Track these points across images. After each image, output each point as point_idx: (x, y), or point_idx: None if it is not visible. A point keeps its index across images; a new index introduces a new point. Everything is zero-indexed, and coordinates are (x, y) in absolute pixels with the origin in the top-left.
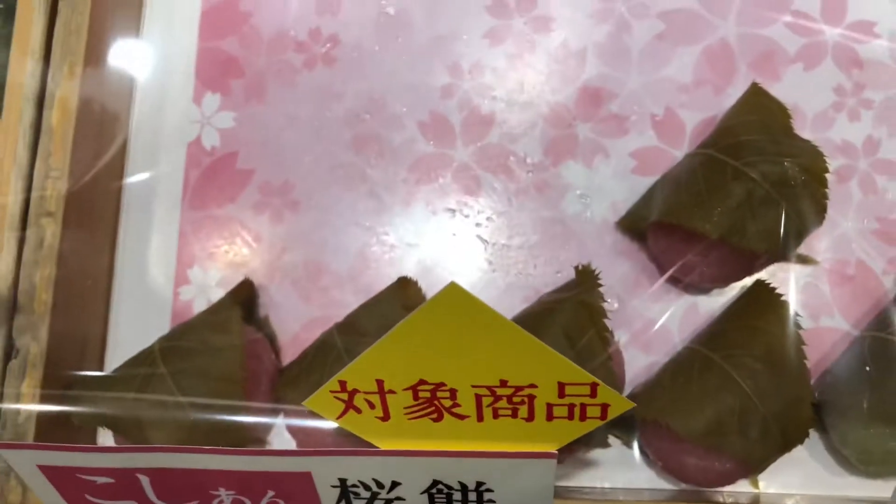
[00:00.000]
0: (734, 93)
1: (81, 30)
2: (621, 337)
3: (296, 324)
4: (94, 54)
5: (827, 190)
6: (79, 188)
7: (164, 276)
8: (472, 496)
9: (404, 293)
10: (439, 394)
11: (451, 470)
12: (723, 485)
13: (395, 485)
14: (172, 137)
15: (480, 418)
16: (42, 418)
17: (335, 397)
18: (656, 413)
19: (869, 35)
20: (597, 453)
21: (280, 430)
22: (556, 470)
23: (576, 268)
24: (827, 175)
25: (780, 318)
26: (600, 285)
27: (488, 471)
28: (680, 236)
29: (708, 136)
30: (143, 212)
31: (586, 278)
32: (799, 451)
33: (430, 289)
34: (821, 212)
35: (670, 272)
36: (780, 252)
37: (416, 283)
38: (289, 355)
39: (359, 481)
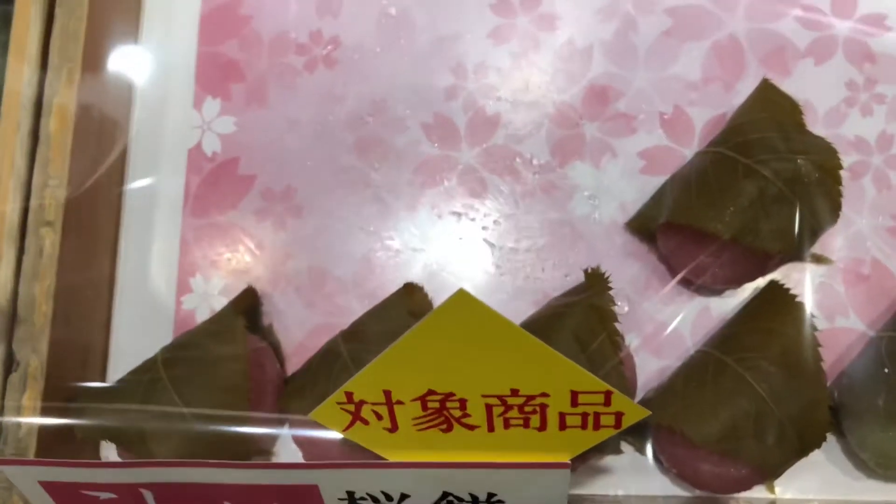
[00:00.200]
0: (744, 89)
1: (79, 35)
2: (632, 341)
3: (300, 331)
4: (93, 60)
5: (841, 187)
6: (78, 196)
7: (166, 284)
8: None
9: (410, 299)
10: (449, 404)
11: (462, 481)
12: (739, 491)
13: (404, 497)
14: (173, 143)
15: (491, 428)
16: (44, 431)
17: (342, 409)
18: (670, 419)
19: (881, 28)
20: (610, 460)
21: (286, 440)
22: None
23: (585, 271)
24: (841, 172)
25: (795, 320)
26: (610, 288)
27: (500, 482)
28: (691, 237)
29: (718, 134)
30: (144, 219)
31: (596, 281)
32: (816, 455)
33: (436, 294)
34: (835, 210)
35: (682, 274)
36: (794, 252)
37: (422, 289)
38: (293, 363)
39: (367, 494)
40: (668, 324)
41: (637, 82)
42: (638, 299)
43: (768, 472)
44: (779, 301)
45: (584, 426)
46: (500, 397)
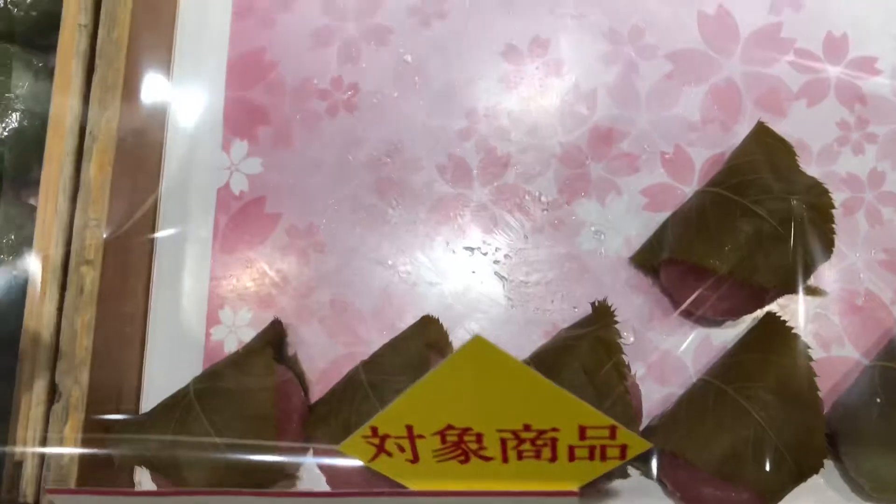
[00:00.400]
0: (741, 130)
1: (117, 85)
2: (637, 369)
3: (323, 361)
4: (129, 107)
5: (834, 225)
6: (116, 236)
7: (196, 317)
8: None
9: (427, 331)
10: (466, 438)
11: None
12: None
13: None
14: (203, 183)
15: (505, 460)
16: (84, 459)
17: (367, 442)
18: (674, 445)
19: (870, 71)
20: (617, 484)
21: (311, 464)
22: None
23: (592, 304)
24: (833, 211)
25: (792, 350)
26: (616, 321)
27: None
28: (692, 272)
29: (716, 174)
30: (176, 255)
31: (603, 314)
32: (815, 479)
33: (451, 325)
34: (828, 246)
35: (684, 306)
36: (790, 285)
37: (438, 321)
38: (317, 391)
39: None
40: (671, 353)
41: (640, 124)
42: (642, 330)
43: (768, 497)
44: (776, 332)
45: (591, 457)
46: (513, 432)
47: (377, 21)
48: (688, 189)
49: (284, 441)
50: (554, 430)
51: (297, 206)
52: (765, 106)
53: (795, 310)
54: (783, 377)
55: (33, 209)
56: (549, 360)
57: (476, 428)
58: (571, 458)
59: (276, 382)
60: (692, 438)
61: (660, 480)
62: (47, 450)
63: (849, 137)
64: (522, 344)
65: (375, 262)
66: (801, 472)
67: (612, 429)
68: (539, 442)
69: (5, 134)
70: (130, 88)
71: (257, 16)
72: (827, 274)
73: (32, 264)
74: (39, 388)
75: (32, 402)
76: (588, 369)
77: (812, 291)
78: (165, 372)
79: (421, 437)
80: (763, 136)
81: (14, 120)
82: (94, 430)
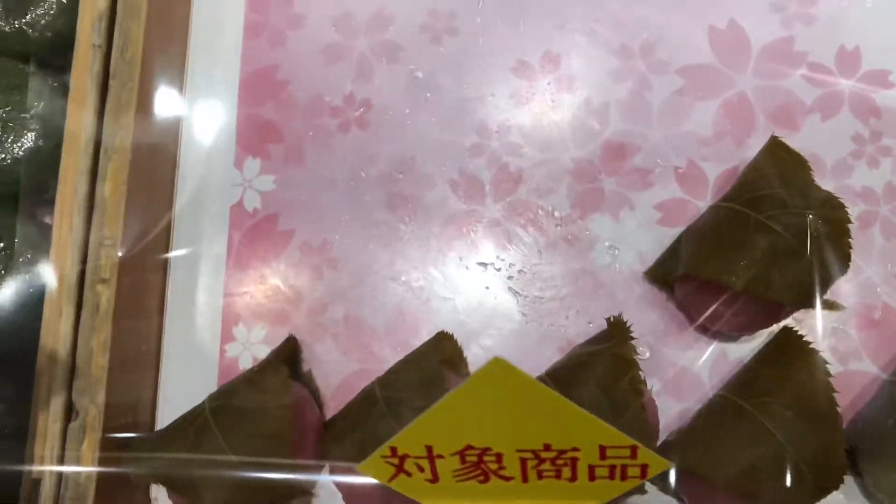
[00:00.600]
0: (754, 144)
1: (131, 104)
2: (653, 385)
3: (337, 377)
4: (142, 126)
5: (850, 240)
6: (131, 254)
7: (211, 334)
8: None
9: (442, 348)
10: (486, 458)
11: None
12: None
13: None
14: (216, 201)
15: (525, 479)
16: (101, 477)
17: (387, 462)
18: (692, 462)
19: (884, 84)
20: (635, 500)
21: (326, 482)
22: None
23: (608, 319)
24: (849, 225)
25: (809, 366)
26: (632, 337)
27: None
28: (707, 287)
29: (730, 189)
30: (190, 273)
31: (619, 330)
32: (834, 495)
33: (465, 341)
34: (845, 261)
35: (699, 321)
36: (806, 301)
37: (452, 338)
38: (331, 408)
39: None
40: (687, 369)
41: (652, 139)
42: (658, 345)
43: None
44: (792, 347)
45: (612, 477)
46: (533, 452)
47: (388, 38)
48: (701, 204)
49: (300, 458)
50: (574, 449)
51: (310, 222)
52: (778, 120)
53: (811, 324)
54: (801, 392)
55: (48, 228)
56: (565, 376)
57: (496, 448)
58: (591, 477)
59: (291, 400)
60: (710, 455)
61: (677, 496)
62: (65, 468)
63: (863, 151)
64: (537, 360)
65: (389, 279)
66: (821, 488)
67: (634, 448)
68: (559, 462)
69: (21, 153)
70: (144, 107)
71: (269, 33)
72: (843, 288)
73: (48, 283)
74: (56, 406)
75: (49, 420)
76: (604, 385)
77: (829, 306)
78: (180, 389)
79: (440, 456)
80: (777, 151)
81: (29, 139)
82: (110, 448)
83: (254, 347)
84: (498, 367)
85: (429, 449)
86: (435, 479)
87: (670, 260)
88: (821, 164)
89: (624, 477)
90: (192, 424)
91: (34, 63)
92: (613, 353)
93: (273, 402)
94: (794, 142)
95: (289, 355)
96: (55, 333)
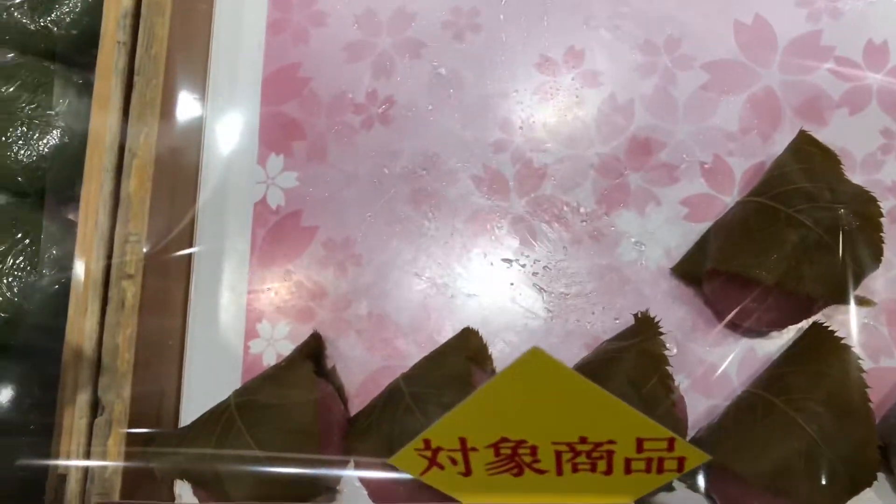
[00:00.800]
0: (781, 139)
1: (156, 102)
2: (682, 382)
3: (361, 374)
4: (166, 123)
5: (882, 234)
6: (155, 251)
7: (235, 330)
8: None
9: (467, 344)
10: (520, 450)
11: None
12: None
13: None
14: (240, 198)
15: (560, 472)
16: (127, 472)
17: (420, 455)
18: (722, 458)
19: None
20: (662, 497)
21: (351, 479)
22: None
23: (635, 315)
24: (881, 219)
25: (841, 361)
26: (661, 333)
27: None
28: (736, 282)
29: (758, 183)
30: (214, 269)
31: (647, 326)
32: (866, 493)
33: (490, 337)
34: (878, 255)
35: (729, 317)
36: (838, 295)
37: (478, 334)
38: (356, 404)
39: None
40: (716, 365)
41: (677, 134)
42: (686, 342)
43: None
44: (823, 342)
45: (648, 470)
46: (569, 444)
47: (410, 35)
48: (728, 199)
49: (325, 454)
50: (610, 442)
51: (334, 219)
52: (805, 115)
53: (840, 320)
54: (833, 388)
55: (74, 224)
56: (594, 372)
57: (531, 440)
58: (627, 470)
59: (316, 396)
60: (742, 452)
61: (707, 495)
62: (91, 463)
63: (893, 145)
64: (563, 356)
65: (412, 275)
66: (855, 485)
67: (671, 441)
68: (595, 454)
69: (46, 150)
70: (168, 104)
71: (292, 31)
72: (873, 283)
73: (74, 279)
74: (82, 401)
75: (75, 416)
76: (634, 382)
77: (861, 301)
78: (204, 385)
79: (474, 449)
80: (805, 145)
81: (55, 137)
82: (135, 444)
83: (278, 344)
84: (535, 358)
85: (463, 441)
86: (468, 472)
87: (697, 255)
88: (850, 158)
89: (661, 470)
90: (218, 420)
91: (59, 61)
92: (642, 349)
93: (298, 398)
94: (821, 136)
95: (313, 352)
96: (81, 329)
